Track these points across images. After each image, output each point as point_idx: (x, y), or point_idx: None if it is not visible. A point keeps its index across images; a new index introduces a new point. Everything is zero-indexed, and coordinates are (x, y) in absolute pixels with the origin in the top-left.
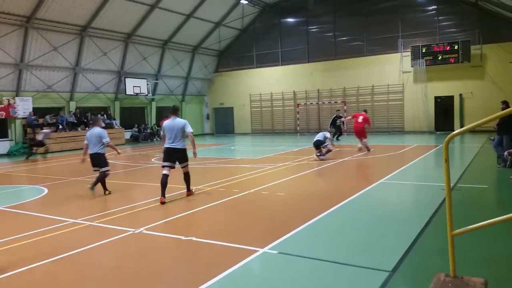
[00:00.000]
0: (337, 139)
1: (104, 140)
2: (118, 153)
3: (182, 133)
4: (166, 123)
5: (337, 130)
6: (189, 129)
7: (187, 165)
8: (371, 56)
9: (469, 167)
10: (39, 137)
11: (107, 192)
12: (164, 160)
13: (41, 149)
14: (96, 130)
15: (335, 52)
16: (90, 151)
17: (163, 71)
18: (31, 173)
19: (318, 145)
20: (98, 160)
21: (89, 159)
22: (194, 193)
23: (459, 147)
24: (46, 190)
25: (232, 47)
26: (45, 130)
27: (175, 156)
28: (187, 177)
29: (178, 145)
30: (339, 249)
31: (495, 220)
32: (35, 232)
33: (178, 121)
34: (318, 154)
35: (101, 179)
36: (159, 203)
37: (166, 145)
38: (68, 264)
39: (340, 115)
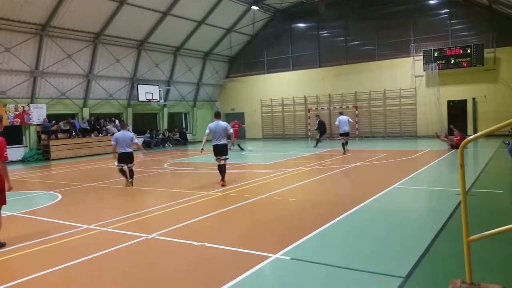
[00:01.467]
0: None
1: (135, 141)
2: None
3: (224, 133)
4: (212, 125)
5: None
6: (231, 130)
7: (227, 158)
8: (383, 61)
9: (483, 172)
10: None
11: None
12: (215, 155)
13: None
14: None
15: (347, 57)
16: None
17: (175, 78)
18: (45, 179)
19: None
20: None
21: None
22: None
23: (473, 152)
24: (60, 196)
25: (243, 53)
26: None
27: (220, 150)
28: (224, 169)
29: (221, 141)
30: (352, 255)
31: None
32: (49, 237)
33: (221, 123)
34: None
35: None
36: (171, 209)
37: (214, 143)
38: (82, 269)
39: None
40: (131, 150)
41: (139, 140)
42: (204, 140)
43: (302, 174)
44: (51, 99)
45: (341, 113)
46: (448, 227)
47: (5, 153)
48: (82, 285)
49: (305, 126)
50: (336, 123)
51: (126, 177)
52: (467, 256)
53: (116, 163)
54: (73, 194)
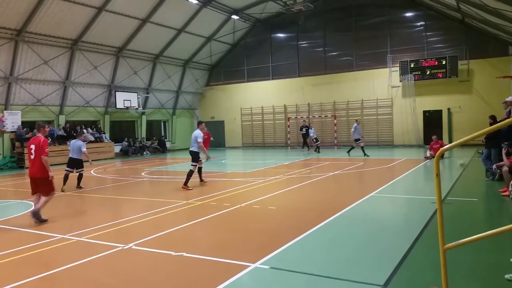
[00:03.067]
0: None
1: (199, 140)
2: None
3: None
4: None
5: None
6: (200, 139)
7: (193, 164)
8: (360, 71)
9: (458, 181)
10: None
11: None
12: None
13: None
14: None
15: (325, 67)
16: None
17: (154, 85)
18: (18, 188)
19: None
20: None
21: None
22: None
23: (448, 161)
24: (33, 205)
25: (223, 62)
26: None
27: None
28: (189, 173)
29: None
30: (330, 263)
31: (486, 234)
32: (22, 248)
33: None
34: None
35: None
36: (149, 218)
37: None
38: (56, 280)
39: (307, 125)
40: (79, 157)
41: (116, 148)
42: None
43: (282, 182)
44: (26, 105)
45: (357, 121)
46: (424, 235)
47: (46, 149)
48: None
49: (284, 135)
50: (352, 129)
51: (64, 183)
52: (443, 264)
53: (65, 168)
54: (48, 202)
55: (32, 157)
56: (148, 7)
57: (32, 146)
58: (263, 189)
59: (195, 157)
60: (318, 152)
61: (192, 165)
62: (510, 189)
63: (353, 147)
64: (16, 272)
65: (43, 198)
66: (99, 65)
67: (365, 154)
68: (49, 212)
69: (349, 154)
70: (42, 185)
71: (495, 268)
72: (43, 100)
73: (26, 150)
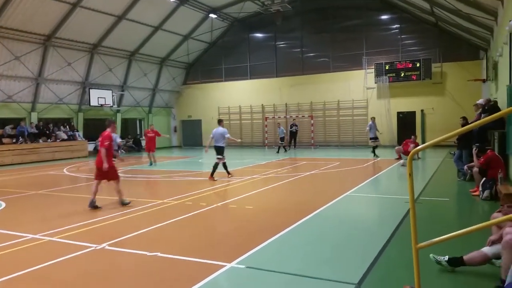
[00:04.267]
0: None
1: (226, 136)
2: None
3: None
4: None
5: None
6: (227, 135)
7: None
8: (337, 72)
9: (430, 181)
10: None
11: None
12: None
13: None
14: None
15: (303, 68)
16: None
17: (129, 83)
18: None
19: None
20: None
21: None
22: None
23: (421, 161)
24: (3, 204)
25: (200, 60)
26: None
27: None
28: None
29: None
30: (306, 263)
31: (458, 233)
32: None
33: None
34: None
35: (216, 166)
36: (123, 218)
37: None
38: (26, 282)
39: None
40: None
41: (90, 146)
42: (208, 143)
43: (259, 182)
44: None
45: (373, 119)
46: (398, 234)
47: (106, 143)
48: None
49: (262, 135)
50: (367, 128)
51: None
52: (416, 263)
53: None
54: (18, 202)
55: (99, 148)
56: (124, 3)
57: (99, 139)
58: (240, 188)
59: (221, 151)
60: (285, 151)
61: (218, 158)
62: (480, 189)
63: (375, 147)
64: None
65: (116, 186)
66: (73, 62)
67: (374, 155)
68: (19, 213)
69: (375, 155)
70: (108, 173)
71: (467, 267)
72: (14, 97)
73: None
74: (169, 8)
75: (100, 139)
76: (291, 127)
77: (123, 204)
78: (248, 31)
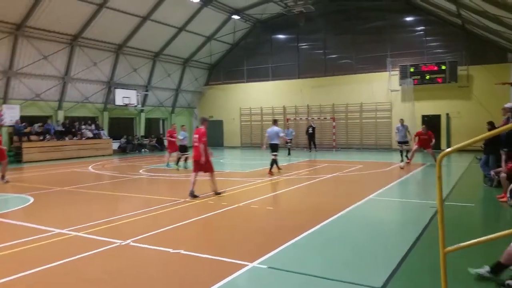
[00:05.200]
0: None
1: (281, 134)
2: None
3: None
4: (269, 129)
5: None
6: (281, 134)
7: (275, 154)
8: (360, 74)
9: (456, 186)
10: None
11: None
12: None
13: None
14: (275, 128)
15: (325, 69)
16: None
17: (153, 83)
18: (16, 182)
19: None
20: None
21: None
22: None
23: (446, 166)
24: (31, 199)
25: (223, 61)
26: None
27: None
28: (271, 162)
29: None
30: (328, 265)
31: (487, 238)
32: (19, 241)
33: (275, 128)
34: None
35: (274, 162)
36: (147, 215)
37: (270, 142)
38: (52, 275)
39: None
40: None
41: (114, 145)
42: (265, 141)
43: (280, 183)
44: (25, 100)
45: (401, 121)
46: (422, 239)
47: (204, 138)
48: None
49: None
50: (395, 131)
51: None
52: (443, 267)
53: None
54: (45, 197)
55: (196, 144)
56: (149, 4)
57: (196, 136)
58: (261, 189)
59: (275, 148)
60: (289, 154)
61: (273, 154)
62: (508, 195)
63: (407, 152)
64: (11, 266)
65: (211, 177)
66: (99, 62)
67: (402, 160)
68: (46, 208)
69: (407, 158)
70: (205, 165)
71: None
72: (42, 95)
73: (24, 145)
74: (193, 9)
75: (196, 135)
76: (308, 129)
77: (217, 194)
78: (270, 32)
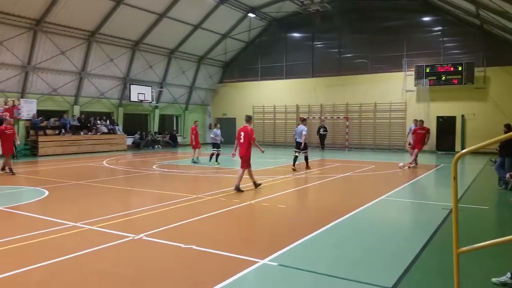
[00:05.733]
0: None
1: (304, 133)
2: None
3: (300, 134)
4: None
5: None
6: (305, 132)
7: (298, 151)
8: (375, 74)
9: (470, 188)
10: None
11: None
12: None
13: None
14: (301, 127)
15: (340, 68)
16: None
17: (168, 80)
18: (32, 175)
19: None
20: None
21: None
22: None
23: (460, 168)
24: (46, 192)
25: (237, 59)
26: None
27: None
28: (295, 158)
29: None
30: (339, 263)
31: (501, 240)
32: (34, 233)
33: (300, 127)
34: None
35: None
36: (160, 210)
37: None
38: (66, 267)
39: (325, 125)
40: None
41: (129, 140)
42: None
43: (291, 181)
44: (42, 94)
45: (415, 121)
46: (434, 240)
47: (253, 135)
48: (67, 284)
49: None
50: (408, 131)
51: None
52: (456, 268)
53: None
54: (60, 190)
55: (242, 141)
56: (166, 2)
57: (242, 133)
58: (273, 187)
59: (298, 146)
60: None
61: (303, 152)
62: None
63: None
64: (27, 257)
65: (240, 171)
66: (115, 58)
67: (413, 162)
68: (60, 201)
69: (416, 163)
70: (244, 162)
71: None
72: (58, 90)
73: (40, 138)
74: (209, 7)
75: (242, 132)
76: (319, 129)
77: (256, 186)
78: (285, 30)
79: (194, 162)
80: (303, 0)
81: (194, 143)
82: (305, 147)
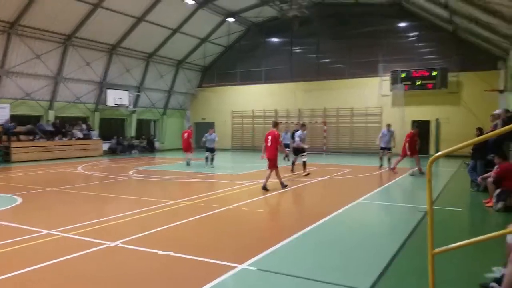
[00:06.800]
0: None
1: (296, 138)
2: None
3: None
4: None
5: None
6: (297, 138)
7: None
8: (352, 79)
9: (444, 190)
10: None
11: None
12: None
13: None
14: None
15: (318, 73)
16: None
17: (146, 84)
18: (4, 182)
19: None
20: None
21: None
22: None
23: (434, 171)
24: (20, 200)
25: (216, 63)
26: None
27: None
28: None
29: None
30: (317, 267)
31: (474, 240)
32: (6, 242)
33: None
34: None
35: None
36: (136, 217)
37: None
38: (40, 275)
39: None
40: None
41: (105, 146)
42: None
43: (270, 186)
44: (15, 99)
45: (389, 126)
46: (409, 242)
47: (280, 139)
48: None
49: None
50: (379, 135)
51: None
52: (431, 269)
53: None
54: (33, 198)
55: (269, 144)
56: (144, 5)
57: (269, 137)
58: (252, 192)
59: (296, 150)
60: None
61: (302, 155)
62: (494, 200)
63: (389, 159)
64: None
65: (268, 172)
66: (91, 62)
67: (380, 165)
68: (34, 209)
69: (390, 165)
70: (271, 163)
71: (476, 276)
72: (32, 95)
73: (13, 144)
74: (188, 11)
75: (269, 136)
76: (293, 133)
77: (283, 186)
78: (264, 35)
79: (188, 164)
80: (282, 6)
81: (187, 146)
82: (298, 151)
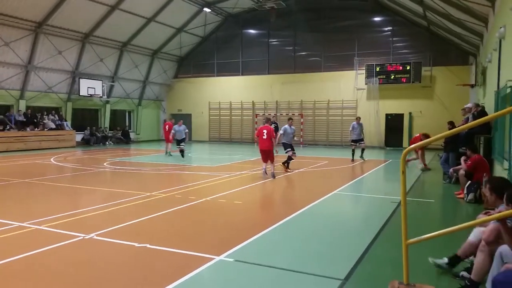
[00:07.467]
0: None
1: (280, 132)
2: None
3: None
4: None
5: None
6: (282, 131)
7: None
8: (328, 72)
9: (416, 182)
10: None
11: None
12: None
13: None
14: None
15: (294, 66)
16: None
17: (120, 74)
18: None
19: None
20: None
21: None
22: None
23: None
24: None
25: (193, 54)
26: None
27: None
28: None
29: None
30: (294, 257)
31: (446, 231)
32: None
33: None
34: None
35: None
36: (111, 209)
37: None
38: (12, 268)
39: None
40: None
41: (78, 136)
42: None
43: (247, 178)
44: None
45: (358, 119)
46: (384, 232)
47: (274, 134)
48: (14, 285)
49: (252, 131)
50: (350, 128)
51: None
52: (405, 258)
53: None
54: (4, 189)
55: (264, 137)
56: None
57: (265, 131)
58: (229, 183)
59: (287, 146)
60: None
61: (288, 151)
62: (465, 191)
63: (362, 150)
64: None
65: (271, 164)
66: (64, 50)
67: (352, 159)
68: (5, 200)
69: (363, 158)
70: (269, 155)
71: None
72: (2, 83)
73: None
74: (163, 0)
75: (264, 130)
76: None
77: (273, 176)
78: (241, 27)
79: (170, 155)
80: None
81: (169, 137)
82: (286, 147)
